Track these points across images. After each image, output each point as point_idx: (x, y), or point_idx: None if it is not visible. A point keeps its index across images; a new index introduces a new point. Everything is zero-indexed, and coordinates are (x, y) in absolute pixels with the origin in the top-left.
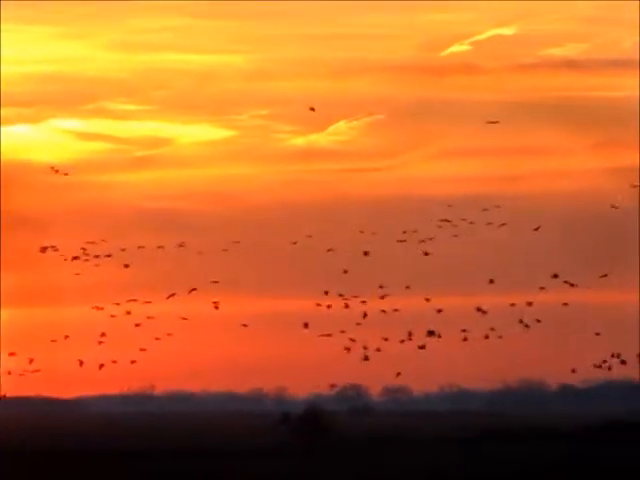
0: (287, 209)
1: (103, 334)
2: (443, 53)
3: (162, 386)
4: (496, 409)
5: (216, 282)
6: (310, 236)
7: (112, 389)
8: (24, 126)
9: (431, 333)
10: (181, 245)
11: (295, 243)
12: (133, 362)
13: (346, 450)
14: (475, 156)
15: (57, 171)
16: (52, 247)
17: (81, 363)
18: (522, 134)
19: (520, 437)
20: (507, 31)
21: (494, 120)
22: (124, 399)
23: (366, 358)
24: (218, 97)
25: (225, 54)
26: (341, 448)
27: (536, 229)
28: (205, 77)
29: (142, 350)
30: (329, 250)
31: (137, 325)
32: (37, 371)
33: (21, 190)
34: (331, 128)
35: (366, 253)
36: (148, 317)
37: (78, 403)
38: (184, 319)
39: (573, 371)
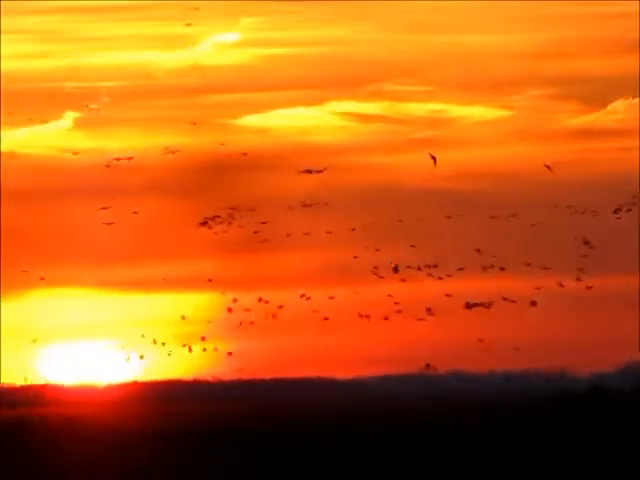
0: (566, 188)
1: (399, 309)
2: None
3: (444, 365)
4: None
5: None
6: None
7: (393, 369)
8: (303, 109)
9: None
10: (455, 224)
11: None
12: (412, 341)
13: (633, 426)
14: None
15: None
16: (330, 229)
17: (358, 343)
18: None
19: None
20: None
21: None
22: (404, 379)
23: None
24: (496, 77)
25: (501, 34)
26: (627, 425)
27: None
28: (483, 57)
29: (423, 329)
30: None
31: (421, 304)
32: (309, 352)
33: (299, 172)
34: (610, 107)
35: None
36: (437, 294)
37: (357, 383)
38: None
39: None
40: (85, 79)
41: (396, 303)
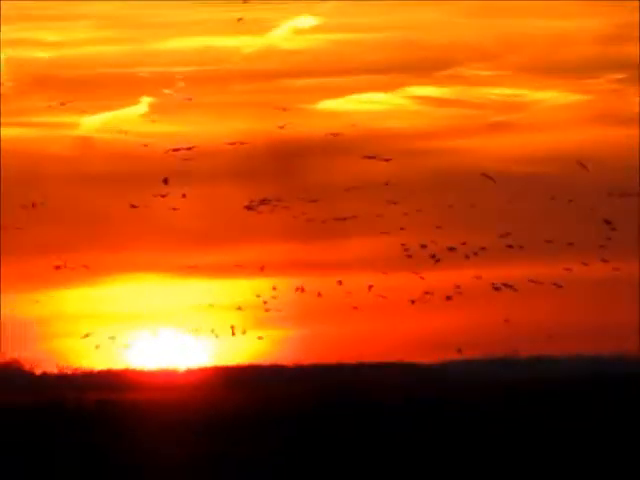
0: (632, 173)
1: (449, 297)
2: None
3: (526, 350)
4: None
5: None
6: None
7: (474, 353)
8: (378, 94)
9: None
10: (534, 209)
11: None
12: (496, 326)
13: None
14: None
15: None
16: (383, 212)
17: (437, 327)
18: None
19: None
20: None
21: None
22: (486, 364)
23: None
24: (571, 62)
25: (578, 18)
26: None
27: None
28: (559, 42)
29: (503, 314)
30: None
31: (494, 288)
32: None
33: (363, 157)
34: None
35: None
36: (503, 283)
37: (439, 368)
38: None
39: None
40: (161, 64)
41: (425, 282)
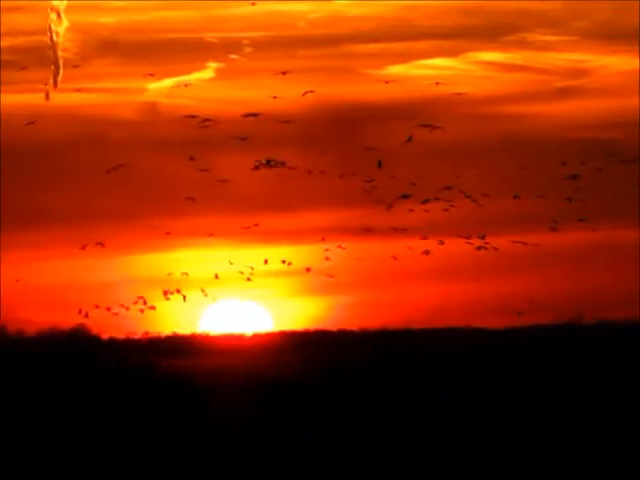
0: None
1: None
2: None
3: (590, 315)
4: None
5: None
6: None
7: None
8: (444, 59)
9: None
10: (600, 171)
11: None
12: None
13: None
14: None
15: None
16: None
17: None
18: None
19: None
20: None
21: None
22: (550, 329)
23: None
24: (636, 26)
25: None
26: None
27: None
28: (625, 7)
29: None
30: None
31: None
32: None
33: (415, 125)
34: None
35: None
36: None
37: (506, 333)
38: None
39: None
40: (227, 29)
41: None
